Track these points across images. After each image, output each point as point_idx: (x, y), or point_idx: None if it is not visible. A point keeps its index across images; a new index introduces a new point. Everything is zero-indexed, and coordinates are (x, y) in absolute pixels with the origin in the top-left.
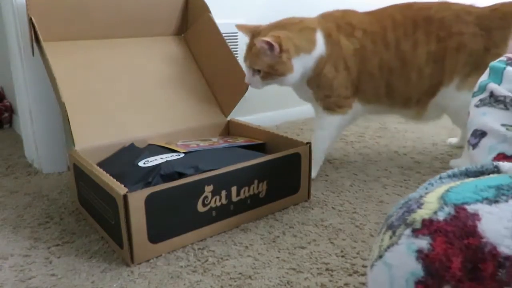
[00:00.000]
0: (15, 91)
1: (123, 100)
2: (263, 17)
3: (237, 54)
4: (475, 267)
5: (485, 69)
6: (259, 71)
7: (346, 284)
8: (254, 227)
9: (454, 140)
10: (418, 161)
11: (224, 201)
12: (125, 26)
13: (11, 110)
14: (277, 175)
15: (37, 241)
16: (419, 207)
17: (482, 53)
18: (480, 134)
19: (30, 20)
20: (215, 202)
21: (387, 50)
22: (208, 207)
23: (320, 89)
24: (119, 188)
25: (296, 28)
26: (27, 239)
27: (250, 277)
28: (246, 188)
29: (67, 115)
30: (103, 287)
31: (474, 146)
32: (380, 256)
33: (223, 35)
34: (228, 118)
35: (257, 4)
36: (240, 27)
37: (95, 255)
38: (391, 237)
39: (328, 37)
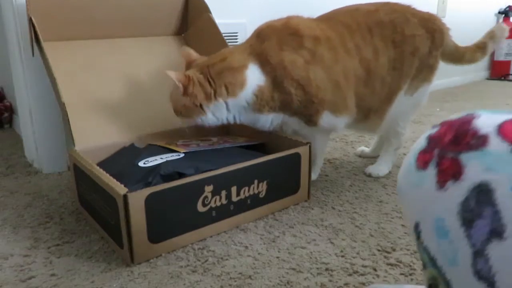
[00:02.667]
0: (15, 91)
1: (123, 100)
2: (263, 17)
3: None
4: (458, 138)
5: (427, 71)
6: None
7: (346, 284)
8: (254, 227)
9: (367, 150)
10: None
11: (224, 201)
12: (125, 26)
13: (11, 110)
14: (277, 175)
15: (37, 241)
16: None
17: (427, 55)
18: None
19: (30, 20)
20: (215, 202)
21: (350, 57)
22: (208, 207)
23: (292, 109)
24: (119, 188)
25: (214, 72)
26: (27, 239)
27: (250, 277)
28: (246, 188)
29: (67, 115)
30: (103, 287)
31: None
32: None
33: (223, 35)
34: None
35: (257, 4)
36: (183, 53)
37: (95, 255)
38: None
39: (264, 65)
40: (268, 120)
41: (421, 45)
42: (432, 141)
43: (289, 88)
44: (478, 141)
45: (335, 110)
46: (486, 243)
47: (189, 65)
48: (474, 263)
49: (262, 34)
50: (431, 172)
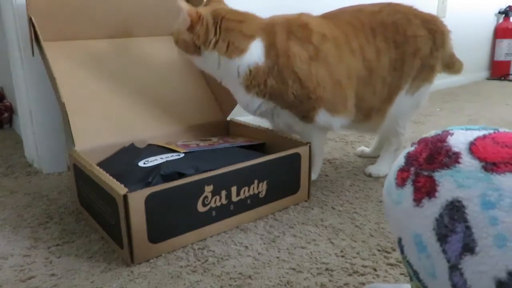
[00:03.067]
0: (15, 91)
1: (123, 100)
2: (263, 17)
3: None
4: (432, 156)
5: (428, 71)
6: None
7: (346, 284)
8: (254, 227)
9: (367, 150)
10: None
11: (224, 201)
12: (125, 26)
13: (11, 110)
14: (277, 175)
15: (37, 241)
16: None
17: (428, 56)
18: None
19: (30, 20)
20: (215, 202)
21: (354, 57)
22: (208, 207)
23: (284, 101)
24: (119, 188)
25: (228, 25)
26: (27, 239)
27: (250, 277)
28: (246, 188)
29: (67, 115)
30: (103, 287)
31: None
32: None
33: None
34: (228, 118)
35: (257, 4)
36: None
37: (95, 255)
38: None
39: (270, 47)
40: (254, 105)
41: (423, 46)
42: (409, 159)
43: (287, 79)
44: (451, 159)
45: (333, 110)
46: (460, 258)
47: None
48: (450, 277)
49: (274, 20)
50: (408, 189)
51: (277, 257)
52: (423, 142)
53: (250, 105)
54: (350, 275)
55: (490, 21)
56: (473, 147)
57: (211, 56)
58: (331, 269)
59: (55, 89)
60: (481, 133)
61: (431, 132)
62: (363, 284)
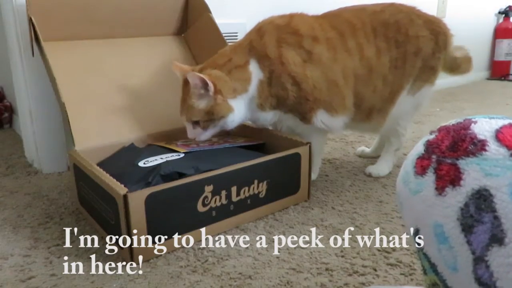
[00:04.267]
0: (15, 91)
1: (123, 100)
2: (263, 17)
3: None
4: (456, 144)
5: (429, 72)
6: (197, 122)
7: (346, 284)
8: (254, 227)
9: (367, 150)
10: None
11: (224, 201)
12: (125, 26)
13: (11, 110)
14: (277, 175)
15: (37, 241)
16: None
17: (430, 56)
18: None
19: (30, 20)
20: (215, 202)
21: (350, 57)
22: (208, 207)
23: (287, 105)
24: (119, 188)
25: (226, 70)
26: (27, 239)
27: (250, 277)
28: (246, 188)
29: (67, 115)
30: (103, 287)
31: None
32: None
33: (223, 35)
34: None
35: (257, 4)
36: (176, 67)
37: (95, 255)
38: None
39: (263, 59)
40: (268, 118)
41: (424, 46)
42: (430, 147)
43: (285, 84)
44: (476, 147)
45: (331, 109)
46: (486, 250)
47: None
48: (474, 270)
49: (262, 30)
50: (429, 178)
51: (277, 257)
52: (444, 130)
53: (268, 119)
54: (350, 275)
55: (490, 21)
56: (499, 135)
57: (240, 101)
58: (331, 269)
59: (55, 89)
60: (506, 121)
61: (450, 121)
62: (363, 284)
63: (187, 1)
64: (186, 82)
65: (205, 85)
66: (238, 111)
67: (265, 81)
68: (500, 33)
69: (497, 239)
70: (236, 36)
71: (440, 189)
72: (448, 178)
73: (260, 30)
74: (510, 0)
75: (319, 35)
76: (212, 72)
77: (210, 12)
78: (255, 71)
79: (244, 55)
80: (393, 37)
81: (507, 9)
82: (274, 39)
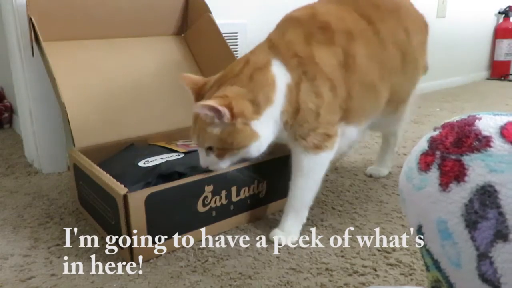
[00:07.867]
0: (15, 91)
1: (123, 100)
2: (263, 17)
3: (237, 54)
4: (460, 140)
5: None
6: (211, 148)
7: (345, 284)
8: (254, 227)
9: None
10: None
11: (224, 201)
12: (125, 26)
13: (11, 110)
14: (277, 175)
15: (37, 241)
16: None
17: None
18: None
19: (30, 20)
20: (215, 202)
21: (384, 50)
22: (208, 207)
23: (301, 126)
24: (119, 188)
25: (245, 77)
26: (27, 239)
27: (250, 277)
28: (246, 188)
29: (67, 115)
30: (103, 287)
31: None
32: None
33: (223, 35)
34: None
35: (257, 4)
36: (185, 78)
37: (95, 255)
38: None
39: (291, 59)
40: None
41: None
42: (434, 143)
43: (321, 88)
44: (481, 143)
45: (357, 122)
46: (490, 246)
47: (200, 90)
48: (478, 266)
49: (283, 26)
50: (433, 174)
51: (277, 257)
52: (448, 126)
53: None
54: (350, 275)
55: (490, 21)
56: (504, 131)
57: (266, 118)
58: (331, 269)
59: (55, 89)
60: (510, 118)
61: (454, 118)
62: (363, 284)
63: (187, 1)
64: (198, 95)
65: (218, 113)
66: (264, 136)
67: (293, 85)
68: (500, 33)
69: (501, 235)
70: (236, 36)
71: (444, 185)
72: (453, 174)
73: (280, 27)
74: (510, 0)
75: (352, 28)
76: (227, 91)
77: (210, 12)
78: (279, 73)
79: (264, 55)
80: (402, 25)
81: (507, 9)
82: (302, 36)
